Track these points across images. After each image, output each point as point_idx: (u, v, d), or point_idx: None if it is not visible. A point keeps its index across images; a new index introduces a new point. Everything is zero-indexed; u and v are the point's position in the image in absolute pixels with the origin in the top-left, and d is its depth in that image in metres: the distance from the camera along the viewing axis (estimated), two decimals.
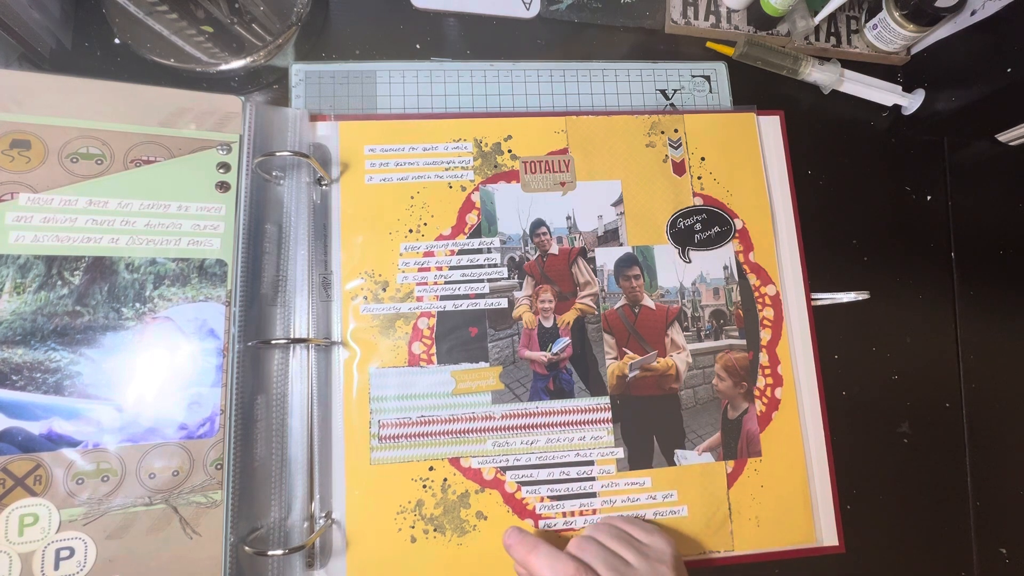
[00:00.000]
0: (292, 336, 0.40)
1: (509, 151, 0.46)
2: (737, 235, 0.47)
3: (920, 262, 0.51)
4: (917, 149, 0.53)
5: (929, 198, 0.53)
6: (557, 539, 0.41)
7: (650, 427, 0.43)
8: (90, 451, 0.34)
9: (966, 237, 0.52)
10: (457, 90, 0.48)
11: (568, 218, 0.45)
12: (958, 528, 0.48)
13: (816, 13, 0.50)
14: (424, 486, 0.40)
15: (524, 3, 0.51)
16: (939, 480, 0.48)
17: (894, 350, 0.49)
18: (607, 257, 0.45)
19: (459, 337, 0.43)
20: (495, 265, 0.44)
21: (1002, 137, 0.52)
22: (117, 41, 0.45)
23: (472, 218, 0.45)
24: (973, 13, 0.47)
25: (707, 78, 0.51)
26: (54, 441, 0.34)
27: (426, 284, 0.43)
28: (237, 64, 0.45)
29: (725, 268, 0.46)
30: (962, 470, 0.49)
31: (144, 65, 0.44)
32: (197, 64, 0.44)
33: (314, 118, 0.44)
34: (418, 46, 0.49)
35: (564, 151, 0.46)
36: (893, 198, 0.52)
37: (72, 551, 0.33)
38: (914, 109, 0.52)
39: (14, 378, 0.34)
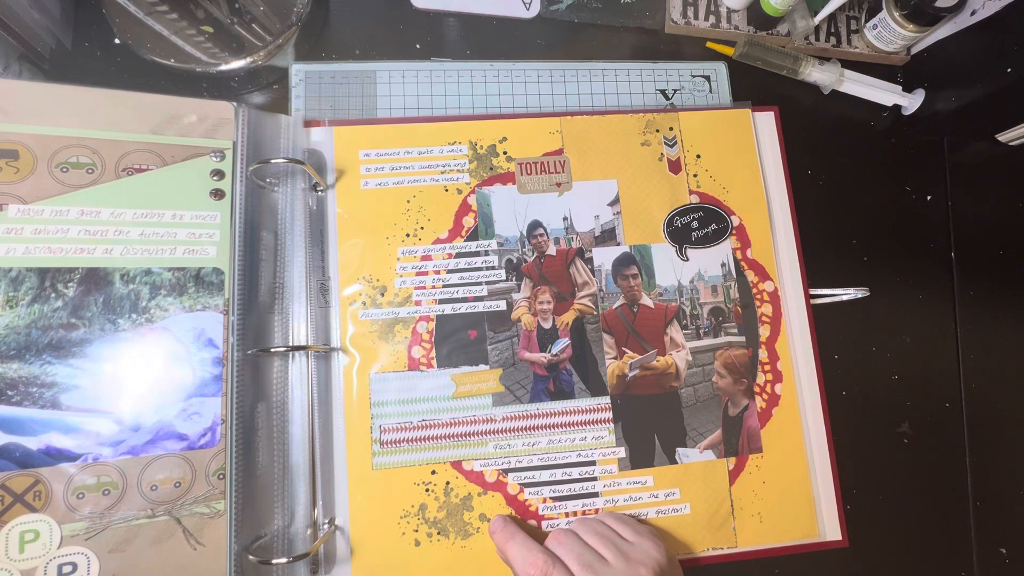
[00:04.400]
0: (291, 343, 0.40)
1: (504, 153, 0.46)
2: (734, 232, 0.47)
3: (920, 262, 0.51)
4: (917, 149, 0.53)
5: (929, 198, 0.53)
6: None
7: (651, 426, 0.43)
8: (90, 465, 0.34)
9: (966, 237, 0.52)
10: (457, 90, 0.48)
11: (565, 219, 0.45)
12: (958, 528, 0.48)
13: (816, 13, 0.50)
14: (427, 490, 0.40)
15: (524, 3, 0.50)
16: (939, 480, 0.48)
17: (894, 350, 0.49)
18: (605, 257, 0.45)
19: (458, 340, 0.43)
20: (493, 267, 0.44)
21: (1002, 137, 0.52)
22: (117, 41, 0.45)
23: (469, 221, 0.44)
24: (973, 13, 0.47)
25: (707, 78, 0.51)
26: (53, 456, 0.34)
27: (424, 288, 0.43)
28: (237, 64, 0.44)
29: (723, 265, 0.46)
30: (962, 470, 0.49)
31: (144, 65, 0.44)
32: (197, 64, 0.44)
33: (308, 123, 0.44)
34: (418, 46, 0.49)
35: (559, 152, 0.46)
36: (893, 198, 0.52)
37: (75, 566, 0.33)
38: (914, 109, 0.52)
39: (9, 393, 0.34)
